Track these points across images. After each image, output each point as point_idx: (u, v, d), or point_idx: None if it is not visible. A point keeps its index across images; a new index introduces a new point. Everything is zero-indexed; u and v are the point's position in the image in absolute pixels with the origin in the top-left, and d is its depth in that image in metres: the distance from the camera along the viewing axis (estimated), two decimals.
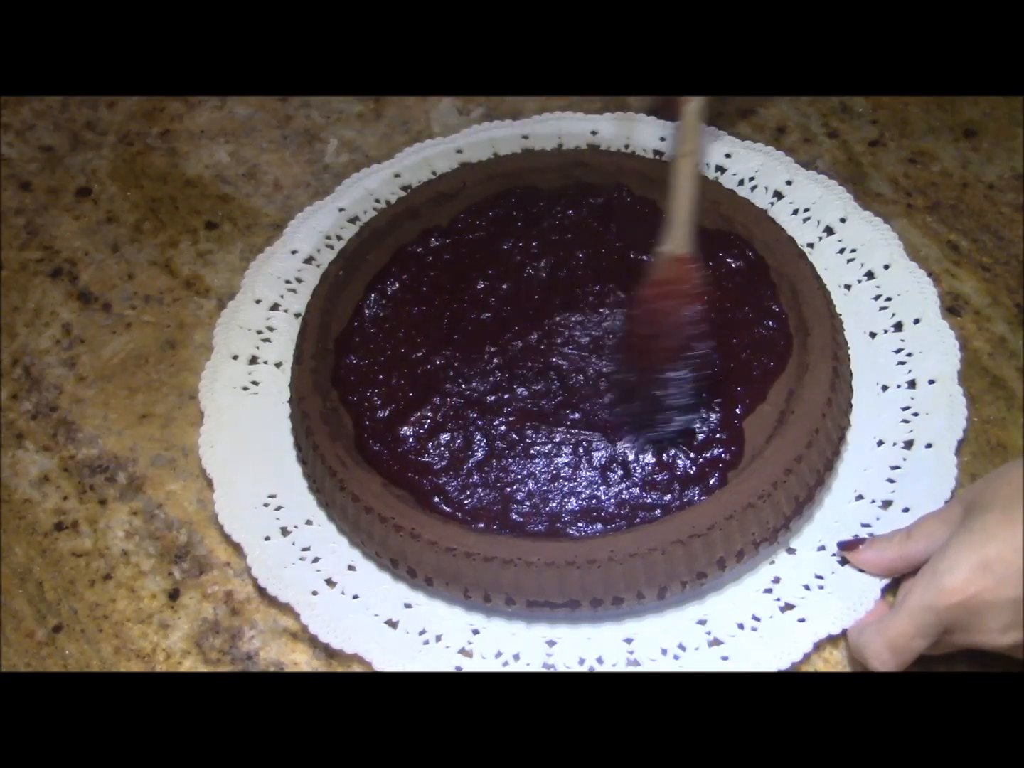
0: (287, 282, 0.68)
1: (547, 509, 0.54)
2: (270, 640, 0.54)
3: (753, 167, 0.70)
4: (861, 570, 0.52)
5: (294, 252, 0.69)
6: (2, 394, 0.66)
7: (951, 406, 0.57)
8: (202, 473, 0.60)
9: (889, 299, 0.62)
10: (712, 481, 0.54)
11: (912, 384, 0.58)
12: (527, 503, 0.54)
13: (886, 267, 0.63)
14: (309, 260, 0.69)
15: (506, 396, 0.58)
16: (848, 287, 0.63)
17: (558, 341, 0.60)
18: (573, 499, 0.54)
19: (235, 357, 0.64)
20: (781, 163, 0.70)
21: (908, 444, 0.56)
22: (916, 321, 0.61)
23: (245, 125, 0.80)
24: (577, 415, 0.57)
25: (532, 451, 0.56)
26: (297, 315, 0.66)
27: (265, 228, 0.73)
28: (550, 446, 0.56)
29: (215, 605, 0.56)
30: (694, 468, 0.54)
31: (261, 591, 0.55)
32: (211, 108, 0.81)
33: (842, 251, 0.65)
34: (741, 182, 0.70)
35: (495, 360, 0.60)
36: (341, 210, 0.71)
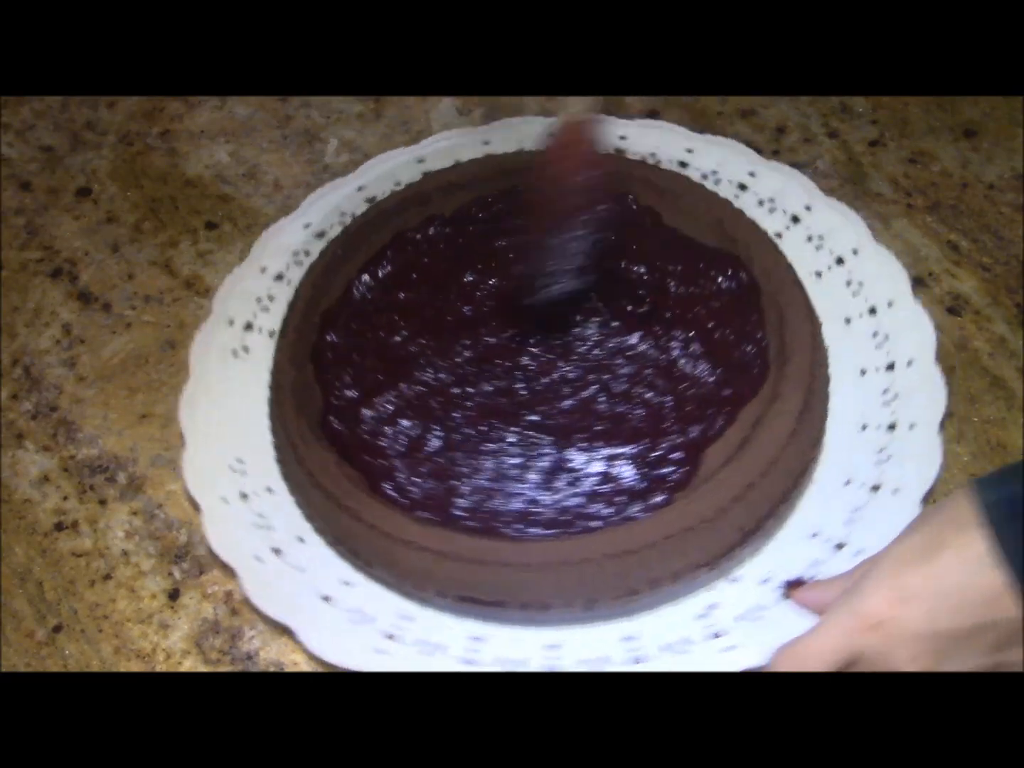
0: (295, 254, 0.68)
1: (489, 507, 0.54)
2: (270, 640, 0.55)
3: (775, 187, 0.69)
4: (802, 608, 0.51)
5: (307, 225, 0.70)
6: (2, 394, 0.66)
7: (927, 454, 0.55)
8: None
9: (887, 337, 0.61)
10: (658, 499, 0.53)
11: (892, 427, 0.57)
12: (470, 498, 0.54)
13: (890, 304, 0.62)
14: (321, 234, 0.69)
15: (470, 390, 0.59)
16: (848, 320, 0.62)
17: (531, 341, 0.60)
18: (516, 500, 0.54)
19: (231, 322, 0.65)
20: (802, 186, 0.69)
21: (876, 487, 0.55)
22: (909, 363, 0.59)
23: (245, 125, 0.80)
24: (535, 417, 0.57)
25: (484, 448, 0.56)
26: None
27: (265, 228, 0.72)
28: (503, 445, 0.56)
29: (215, 605, 0.56)
30: (642, 484, 0.54)
31: (209, 551, 0.56)
32: (211, 108, 0.81)
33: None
34: (760, 203, 0.69)
35: (466, 353, 0.60)
36: (360, 188, 0.71)
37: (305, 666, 0.53)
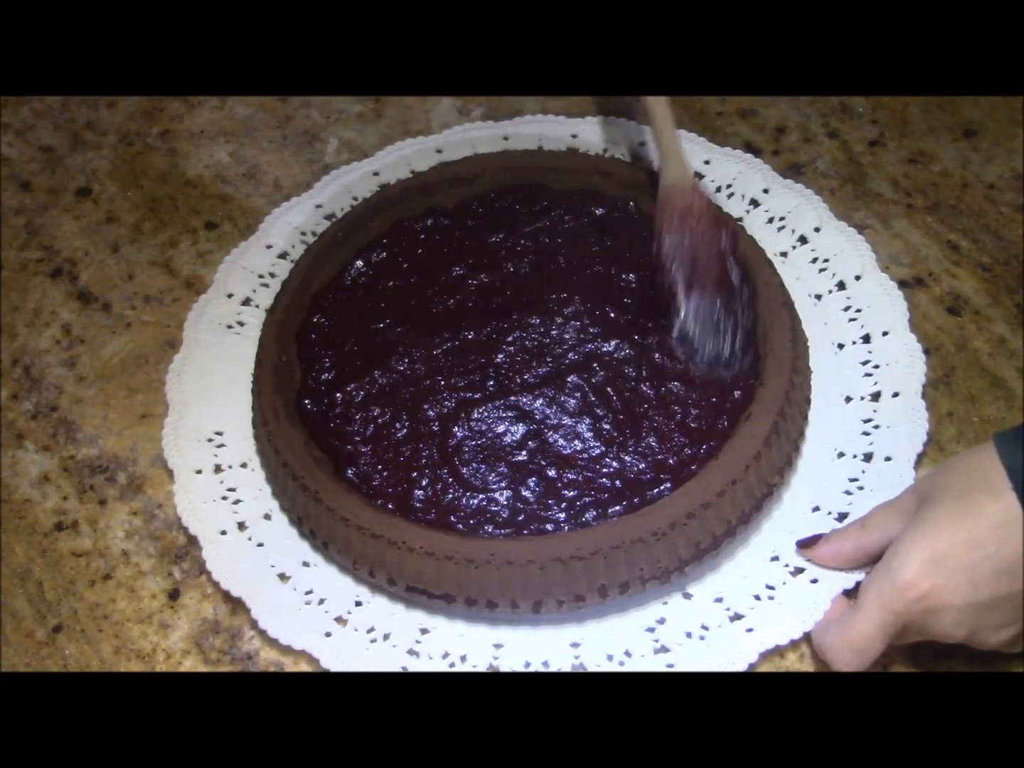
0: (302, 234, 0.70)
1: (445, 500, 0.54)
2: (270, 640, 0.54)
3: (731, 174, 0.70)
4: (819, 564, 0.52)
5: (318, 206, 0.71)
6: (2, 394, 0.66)
7: (913, 419, 0.56)
8: (162, 398, 0.62)
9: (859, 310, 0.62)
10: (612, 509, 0.53)
11: (876, 396, 0.58)
12: (428, 490, 0.55)
13: (857, 278, 0.63)
14: (330, 217, 0.70)
15: (442, 383, 0.59)
16: (818, 297, 0.63)
17: (508, 339, 0.60)
18: (472, 496, 0.54)
19: (230, 296, 0.66)
20: (758, 171, 0.69)
21: (868, 456, 0.55)
22: (884, 333, 0.60)
23: (245, 125, 0.80)
24: (504, 415, 0.57)
25: (449, 442, 0.56)
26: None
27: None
28: (468, 440, 0.56)
29: (215, 605, 0.56)
30: (601, 493, 0.54)
31: (177, 521, 0.57)
32: (211, 108, 0.81)
33: (815, 260, 0.65)
34: (719, 189, 0.69)
35: (445, 346, 0.60)
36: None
37: (306, 666, 0.53)
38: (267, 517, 0.57)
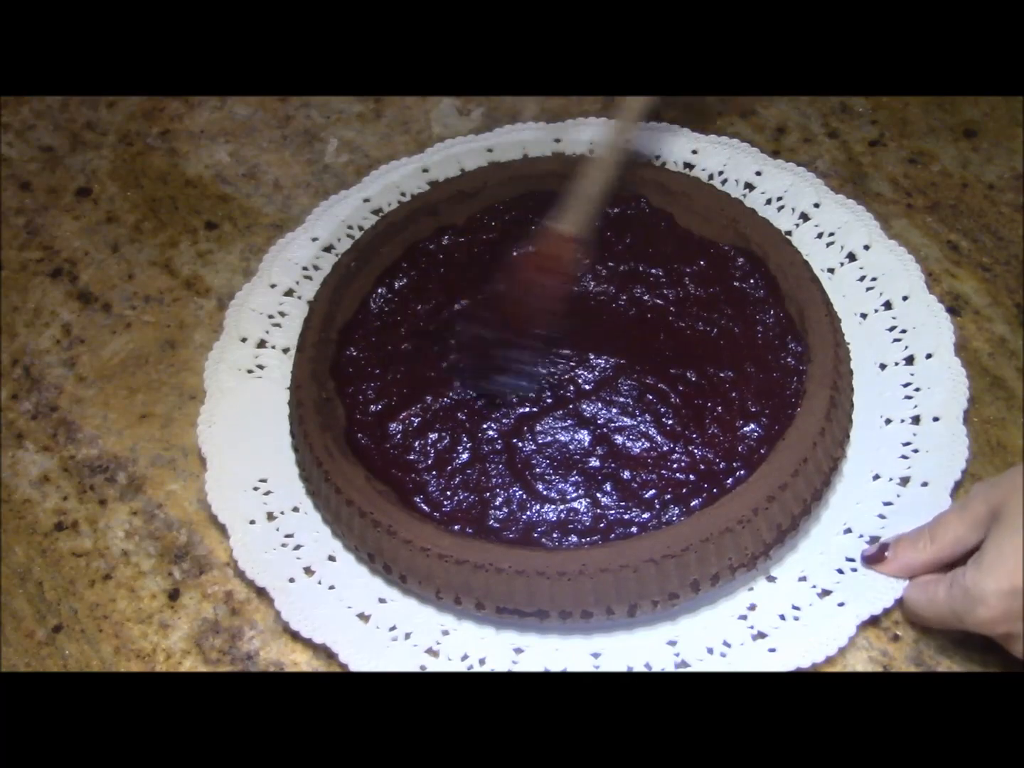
0: (304, 268, 0.68)
1: (524, 517, 0.54)
2: (270, 640, 0.54)
3: (782, 186, 0.69)
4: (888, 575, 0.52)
5: (314, 239, 0.69)
6: (2, 394, 0.66)
7: (952, 445, 0.56)
8: (196, 451, 0.60)
9: (904, 331, 0.61)
10: (694, 503, 0.53)
11: (916, 420, 0.57)
12: (504, 509, 0.54)
13: (905, 298, 0.62)
14: (328, 248, 0.69)
15: (497, 400, 0.58)
16: (864, 316, 0.62)
17: (554, 350, 0.60)
18: (551, 509, 0.54)
19: (244, 340, 0.65)
20: (810, 184, 0.68)
21: (904, 480, 0.55)
22: (928, 355, 0.59)
23: (245, 125, 0.80)
24: (565, 423, 0.57)
25: (517, 457, 0.56)
26: (310, 302, 0.66)
27: (265, 228, 0.73)
28: (535, 454, 0.56)
29: (215, 605, 0.56)
30: (679, 488, 0.54)
31: (240, 574, 0.55)
32: (211, 108, 0.81)
33: (862, 279, 0.64)
34: (768, 201, 0.68)
35: None
36: (366, 200, 0.71)
37: (305, 666, 0.53)
38: (331, 559, 0.56)
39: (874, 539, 0.53)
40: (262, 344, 0.65)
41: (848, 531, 0.54)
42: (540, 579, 0.50)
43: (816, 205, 0.67)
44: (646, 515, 0.53)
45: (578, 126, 0.74)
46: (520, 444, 0.56)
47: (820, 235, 0.66)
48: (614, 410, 0.57)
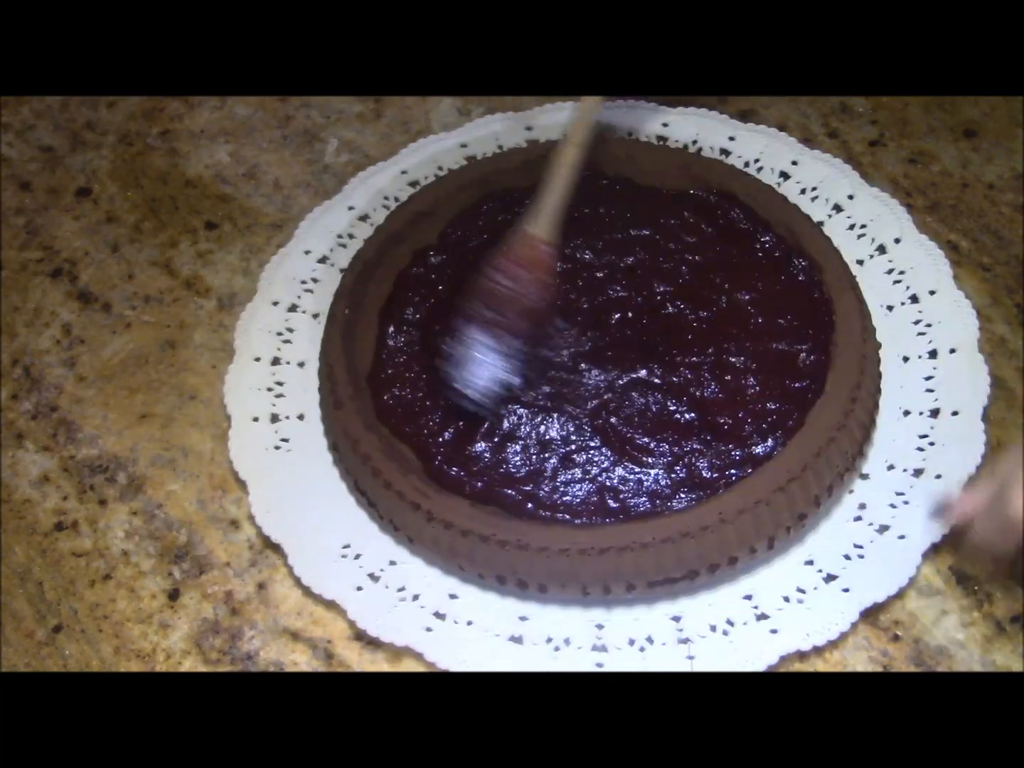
0: (303, 283, 0.68)
1: (645, 488, 0.54)
2: (270, 640, 0.55)
3: (818, 177, 0.69)
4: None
5: (307, 252, 0.69)
6: (2, 394, 0.66)
7: (969, 440, 0.56)
8: (266, 541, 0.57)
9: (929, 325, 0.61)
10: (707, 488, 0.54)
11: (935, 413, 0.58)
12: (621, 488, 0.54)
13: (932, 292, 0.63)
14: (323, 259, 0.68)
15: (565, 391, 0.58)
16: (890, 308, 0.63)
17: (571, 338, 0.60)
18: (665, 474, 0.54)
19: (257, 359, 0.64)
20: (846, 176, 0.69)
21: (918, 472, 0.56)
22: (952, 351, 0.60)
23: (245, 125, 0.80)
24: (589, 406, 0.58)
25: (611, 439, 0.56)
26: (315, 316, 0.65)
27: (265, 228, 0.73)
28: (626, 431, 0.56)
29: (215, 605, 0.56)
30: (698, 473, 0.54)
31: (372, 641, 0.53)
32: (211, 108, 0.81)
33: (890, 272, 0.64)
34: (803, 191, 0.69)
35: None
36: (351, 208, 0.71)
37: (305, 666, 0.53)
38: (453, 597, 0.55)
39: (884, 528, 0.54)
40: (276, 361, 0.64)
41: (858, 519, 0.55)
42: (686, 540, 0.51)
43: (850, 197, 0.67)
44: (684, 490, 0.54)
45: (545, 112, 0.75)
46: (607, 426, 0.56)
47: (852, 227, 0.66)
48: (640, 388, 0.58)
